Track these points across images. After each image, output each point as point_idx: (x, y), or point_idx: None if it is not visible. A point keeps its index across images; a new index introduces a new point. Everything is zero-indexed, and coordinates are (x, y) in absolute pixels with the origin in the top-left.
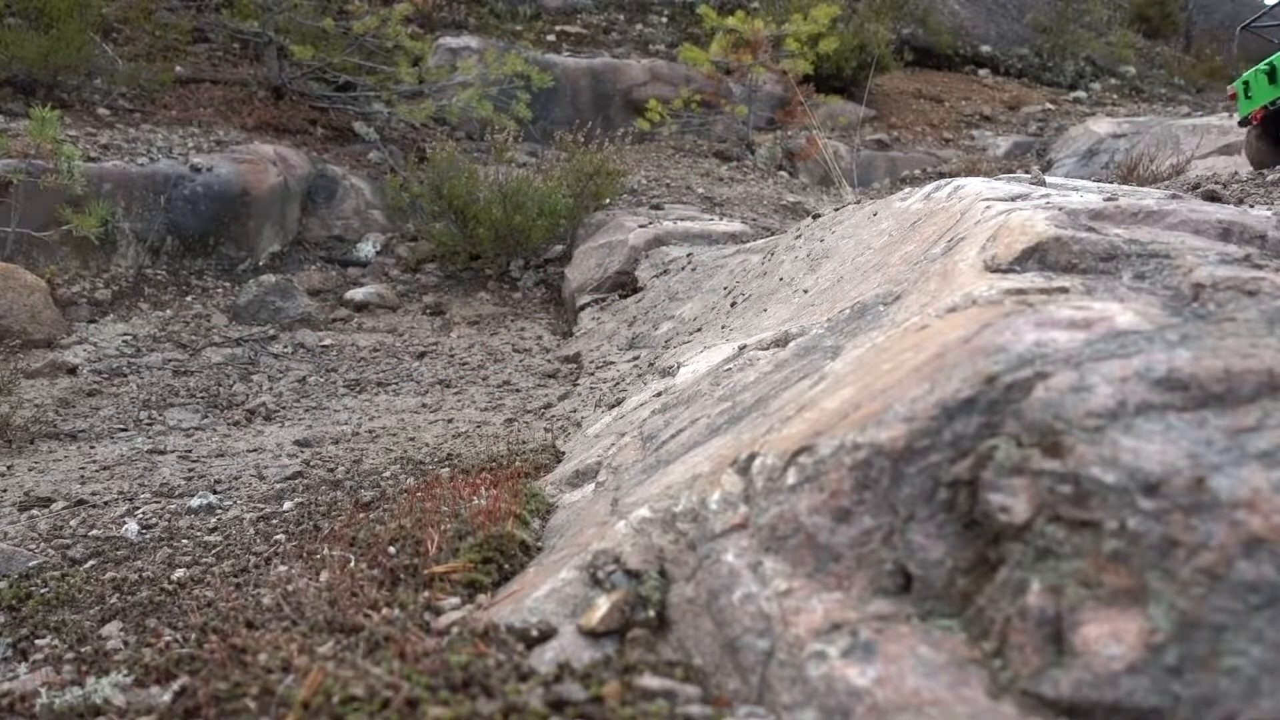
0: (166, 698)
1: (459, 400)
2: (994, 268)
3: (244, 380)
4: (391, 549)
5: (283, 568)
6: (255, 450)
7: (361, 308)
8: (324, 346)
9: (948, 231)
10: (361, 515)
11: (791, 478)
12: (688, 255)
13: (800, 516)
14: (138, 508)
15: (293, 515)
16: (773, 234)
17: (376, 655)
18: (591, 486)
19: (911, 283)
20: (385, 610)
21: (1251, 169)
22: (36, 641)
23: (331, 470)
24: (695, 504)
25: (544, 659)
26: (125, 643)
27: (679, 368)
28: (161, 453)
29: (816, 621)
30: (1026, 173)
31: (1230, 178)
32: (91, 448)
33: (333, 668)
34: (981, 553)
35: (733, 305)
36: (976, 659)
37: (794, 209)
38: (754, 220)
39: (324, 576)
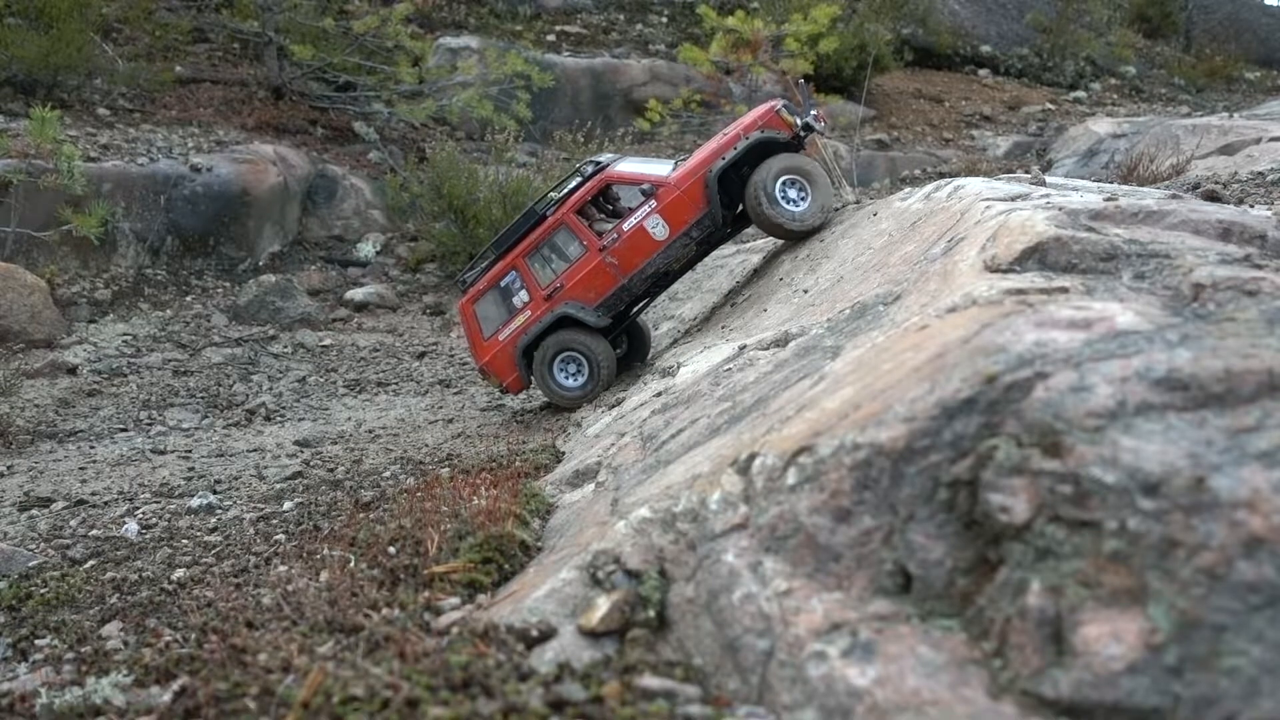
0: (166, 698)
1: (459, 400)
2: (994, 268)
3: (244, 380)
4: (391, 549)
5: (283, 568)
6: (255, 450)
7: (361, 308)
8: (324, 346)
9: (948, 231)
10: (361, 515)
11: (791, 478)
12: None
13: (800, 516)
14: (138, 508)
15: (293, 515)
16: None
17: (376, 655)
18: (591, 486)
19: (911, 282)
20: (385, 610)
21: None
22: (36, 641)
23: (331, 470)
24: (695, 504)
25: (544, 659)
26: (125, 643)
27: (679, 367)
28: (161, 453)
29: (816, 621)
30: (1026, 173)
31: (1230, 178)
32: (91, 448)
33: (333, 668)
34: (981, 553)
35: (732, 305)
36: (976, 659)
37: None
38: None
39: (324, 576)
